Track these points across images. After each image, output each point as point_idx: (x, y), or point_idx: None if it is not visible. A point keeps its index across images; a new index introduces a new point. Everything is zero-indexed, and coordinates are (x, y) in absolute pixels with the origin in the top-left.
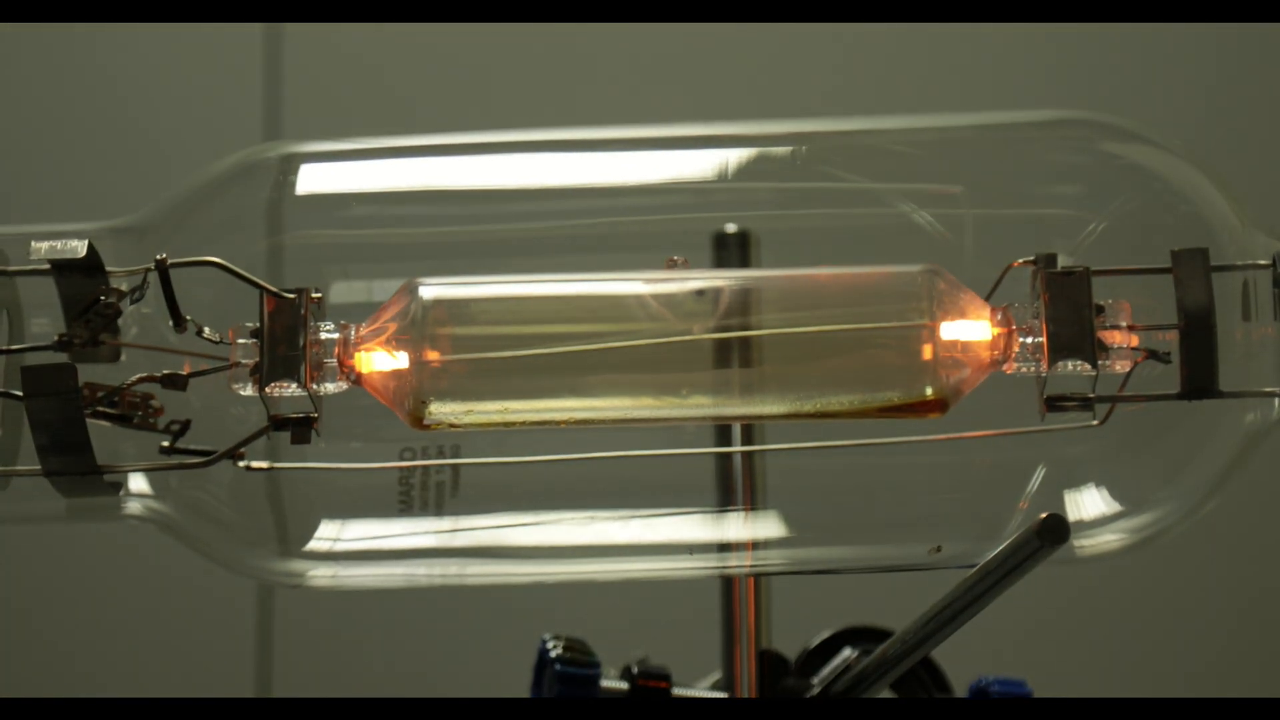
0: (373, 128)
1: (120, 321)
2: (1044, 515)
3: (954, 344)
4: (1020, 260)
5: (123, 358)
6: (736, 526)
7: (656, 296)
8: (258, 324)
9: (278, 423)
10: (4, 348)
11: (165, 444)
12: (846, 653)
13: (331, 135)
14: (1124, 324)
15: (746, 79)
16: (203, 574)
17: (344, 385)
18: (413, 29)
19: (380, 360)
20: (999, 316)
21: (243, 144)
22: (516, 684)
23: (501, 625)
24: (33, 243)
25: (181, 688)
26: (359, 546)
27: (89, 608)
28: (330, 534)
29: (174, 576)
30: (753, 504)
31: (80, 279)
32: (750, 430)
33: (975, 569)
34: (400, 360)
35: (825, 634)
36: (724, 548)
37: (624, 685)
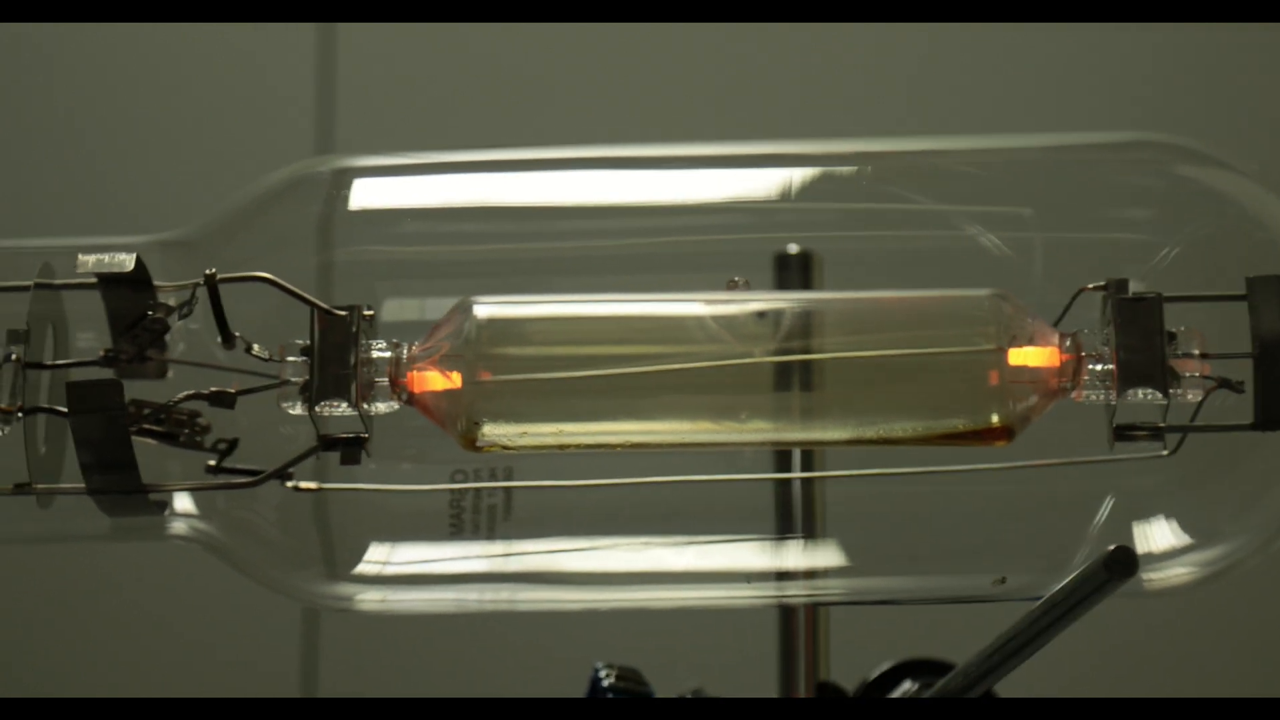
0: (427, 137)
1: (168, 337)
2: (1112, 547)
3: (1021, 370)
4: (1091, 285)
5: (169, 374)
6: (795, 555)
7: (716, 318)
8: (308, 341)
9: (327, 443)
10: (49, 363)
11: (212, 463)
12: (906, 685)
13: (384, 145)
14: (1196, 352)
15: (807, 86)
16: (249, 582)
17: (395, 405)
18: (469, 30)
19: (432, 380)
20: (1068, 343)
21: (294, 155)
22: (565, 687)
23: (552, 636)
24: (79, 256)
25: (226, 688)
26: (409, 570)
27: (136, 608)
28: (379, 557)
29: (219, 577)
30: (812, 532)
31: (127, 293)
32: (810, 456)
33: (1040, 602)
34: (453, 380)
35: (885, 666)
36: (782, 576)
37: None
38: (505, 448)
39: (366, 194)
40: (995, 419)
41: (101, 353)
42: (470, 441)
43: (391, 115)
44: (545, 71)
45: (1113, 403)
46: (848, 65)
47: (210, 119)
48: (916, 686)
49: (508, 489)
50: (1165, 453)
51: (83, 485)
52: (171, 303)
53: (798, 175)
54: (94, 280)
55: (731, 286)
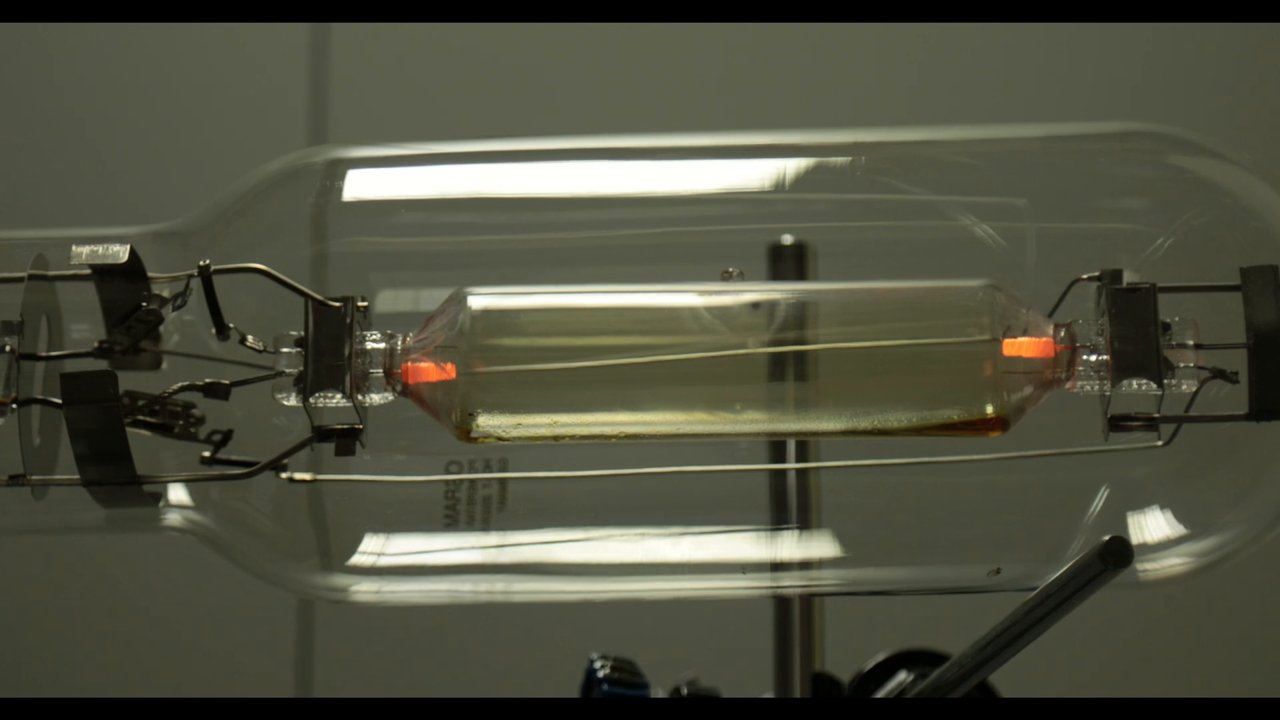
0: (419, 131)
1: (162, 328)
2: (1107, 538)
3: (1016, 361)
4: (1085, 275)
5: (164, 366)
6: (790, 545)
7: (711, 309)
8: (302, 332)
9: (322, 434)
10: (43, 354)
11: (206, 454)
12: (901, 676)
13: (377, 138)
14: (1191, 342)
15: (801, 84)
16: (243, 576)
17: (389, 396)
18: (461, 30)
19: (427, 371)
20: (1062, 333)
21: (287, 147)
22: (561, 686)
23: (547, 628)
24: (73, 247)
25: (220, 688)
26: (403, 561)
27: (130, 607)
28: (374, 548)
29: (214, 575)
30: (807, 522)
31: (121, 284)
32: (805, 446)
33: (1035, 592)
34: (447, 371)
35: (880, 657)
36: (777, 567)
37: None
38: (500, 439)
39: (360, 185)
40: (990, 409)
41: (96, 344)
42: (465, 433)
43: (383, 112)
44: (537, 71)
45: (1107, 393)
46: (844, 65)
47: (206, 114)
48: (912, 677)
49: (502, 480)
50: (1160, 443)
51: (77, 477)
52: (166, 294)
53: (792, 166)
54: (88, 271)
55: (726, 277)
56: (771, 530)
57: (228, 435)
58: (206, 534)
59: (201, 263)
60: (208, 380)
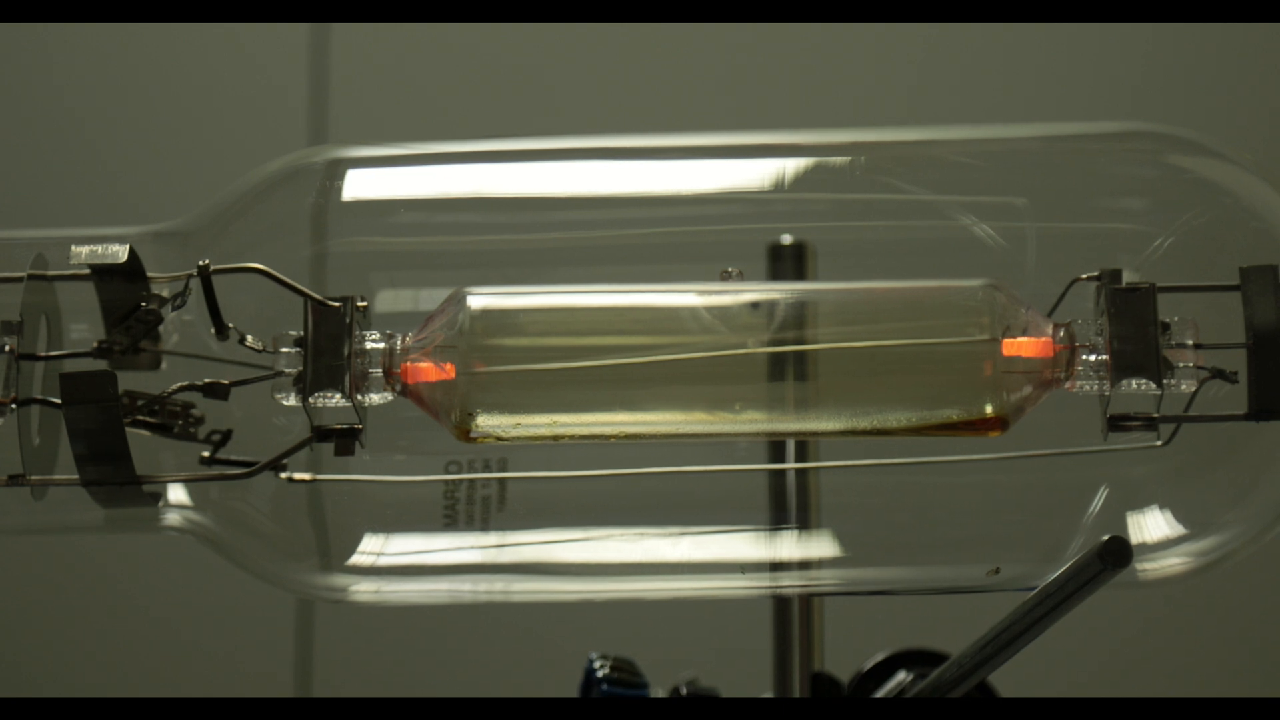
0: (419, 131)
1: (161, 328)
2: (1106, 537)
3: (1015, 361)
4: (1084, 275)
5: (163, 366)
6: (790, 545)
7: (710, 309)
8: (302, 332)
9: (321, 434)
10: (43, 354)
11: (206, 454)
12: (901, 676)
13: (377, 138)
14: (1190, 342)
15: (801, 84)
16: (243, 576)
17: (389, 396)
18: (461, 30)
19: (426, 371)
20: (1061, 333)
21: (287, 147)
22: (561, 686)
23: (547, 628)
24: (73, 247)
25: (219, 688)
26: (403, 561)
27: (129, 607)
28: (373, 548)
29: (214, 575)
30: (806, 522)
31: (121, 284)
32: (805, 446)
33: (1035, 592)
34: (447, 371)
35: (879, 656)
36: (777, 567)
37: None
38: (499, 439)
39: (360, 184)
40: (989, 409)
41: (95, 344)
42: (464, 432)
43: (383, 112)
44: (537, 71)
45: (1106, 393)
46: (844, 65)
47: (206, 114)
48: (911, 677)
49: (502, 480)
50: (1159, 443)
51: (77, 477)
52: (165, 293)
53: (791, 165)
54: (87, 271)
55: (725, 277)
56: (771, 530)
57: (227, 435)
58: (206, 534)
59: (201, 263)
60: (207, 380)
